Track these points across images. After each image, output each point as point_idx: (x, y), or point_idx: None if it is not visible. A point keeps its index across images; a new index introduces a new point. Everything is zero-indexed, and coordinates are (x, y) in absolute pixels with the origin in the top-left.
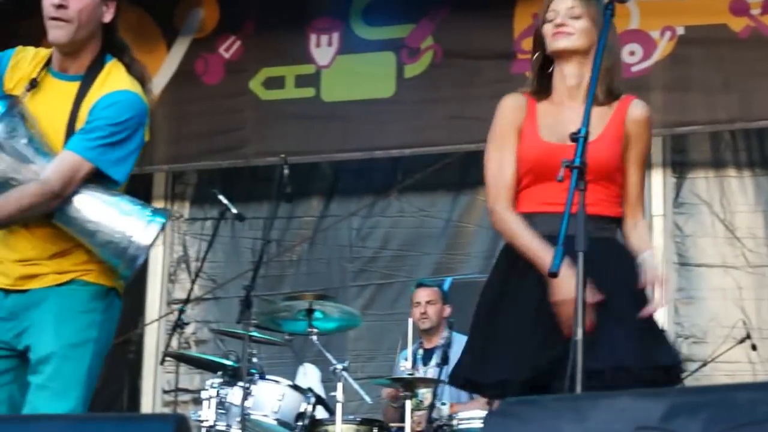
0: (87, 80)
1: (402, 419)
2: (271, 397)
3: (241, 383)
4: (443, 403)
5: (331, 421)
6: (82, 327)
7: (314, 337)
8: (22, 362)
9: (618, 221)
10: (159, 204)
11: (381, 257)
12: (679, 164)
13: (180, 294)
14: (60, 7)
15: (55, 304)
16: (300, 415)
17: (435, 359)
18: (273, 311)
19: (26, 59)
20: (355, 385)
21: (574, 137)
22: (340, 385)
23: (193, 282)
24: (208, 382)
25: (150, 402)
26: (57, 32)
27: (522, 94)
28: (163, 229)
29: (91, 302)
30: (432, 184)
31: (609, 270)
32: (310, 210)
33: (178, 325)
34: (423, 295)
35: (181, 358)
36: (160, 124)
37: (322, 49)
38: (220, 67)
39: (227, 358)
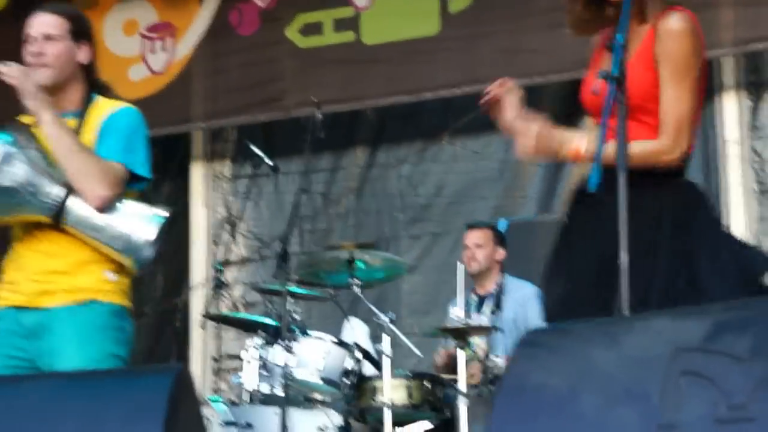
0: (83, 111)
1: (455, 371)
2: (315, 355)
3: (282, 342)
4: (497, 356)
5: (380, 376)
6: (107, 343)
7: (357, 289)
8: None
9: None
10: (199, 164)
11: (435, 205)
12: (755, 85)
13: (226, 256)
14: (39, 55)
15: (75, 324)
16: (346, 372)
17: (488, 306)
18: (312, 264)
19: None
20: (403, 338)
21: (609, 45)
22: (386, 339)
23: (229, 242)
24: (248, 343)
25: (200, 370)
26: (40, 77)
27: None
28: (163, 226)
29: (113, 319)
30: (486, 125)
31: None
32: (355, 160)
33: (218, 286)
34: (472, 237)
35: (219, 320)
36: (195, 81)
37: None
38: (255, 17)
39: (268, 317)
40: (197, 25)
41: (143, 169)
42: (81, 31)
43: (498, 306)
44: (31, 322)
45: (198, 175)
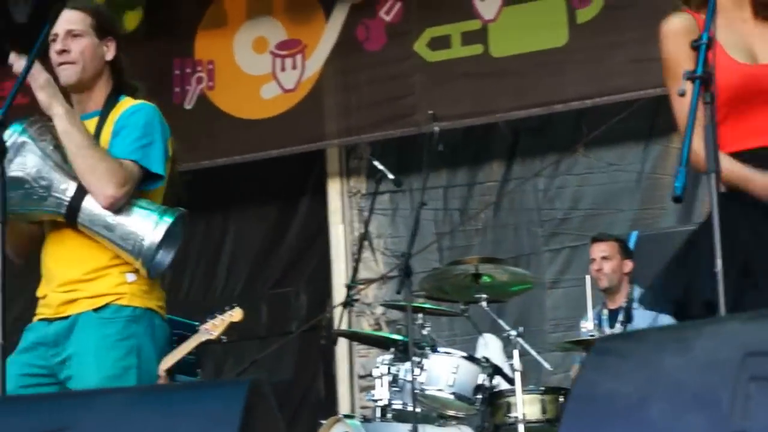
0: (105, 111)
1: None
2: (445, 371)
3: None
4: None
5: (513, 391)
6: (121, 356)
7: (484, 304)
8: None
9: None
10: (335, 181)
11: (572, 218)
12: None
13: (366, 273)
14: (63, 52)
15: (94, 334)
16: (478, 388)
17: (620, 319)
18: (439, 279)
19: None
20: (533, 352)
21: (695, 45)
22: (516, 353)
23: (358, 260)
24: (379, 359)
25: (346, 387)
26: (66, 74)
27: (684, 11)
28: (174, 226)
29: (129, 328)
30: (620, 135)
31: None
32: (491, 174)
33: (348, 303)
34: (597, 249)
35: (351, 337)
36: (326, 98)
37: (487, 1)
38: (381, 32)
39: (398, 333)
40: (325, 41)
41: (158, 167)
42: (106, 27)
43: (628, 318)
44: (55, 331)
45: (335, 192)
